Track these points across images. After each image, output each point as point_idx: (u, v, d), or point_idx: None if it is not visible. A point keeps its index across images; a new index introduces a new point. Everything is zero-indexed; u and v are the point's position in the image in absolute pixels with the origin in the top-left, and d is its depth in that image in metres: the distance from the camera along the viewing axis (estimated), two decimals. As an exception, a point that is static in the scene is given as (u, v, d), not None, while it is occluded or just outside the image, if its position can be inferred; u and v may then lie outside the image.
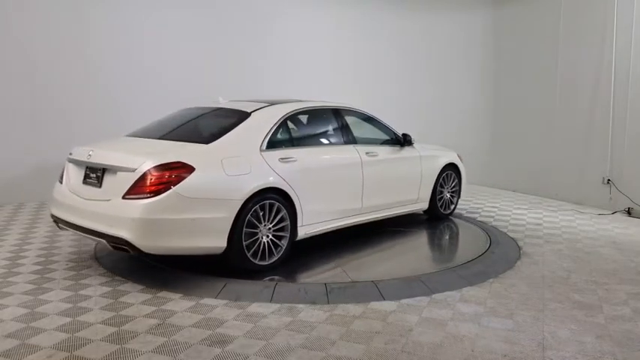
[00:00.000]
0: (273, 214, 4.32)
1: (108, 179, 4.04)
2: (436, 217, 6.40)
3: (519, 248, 5.18)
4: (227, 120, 4.64)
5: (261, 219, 4.24)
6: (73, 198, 4.22)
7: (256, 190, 4.15)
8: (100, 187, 4.06)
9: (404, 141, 5.87)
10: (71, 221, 4.14)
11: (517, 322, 3.38)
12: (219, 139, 4.30)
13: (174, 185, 3.78)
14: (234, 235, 4.04)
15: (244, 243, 4.10)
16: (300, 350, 2.95)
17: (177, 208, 3.80)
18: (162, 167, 3.82)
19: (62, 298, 3.69)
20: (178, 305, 3.58)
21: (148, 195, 3.75)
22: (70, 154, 4.52)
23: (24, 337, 3.07)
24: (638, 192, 6.80)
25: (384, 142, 5.74)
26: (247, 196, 4.09)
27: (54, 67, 7.36)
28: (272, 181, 4.30)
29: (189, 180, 3.84)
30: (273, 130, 4.59)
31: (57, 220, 4.38)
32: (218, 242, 3.99)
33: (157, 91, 8.01)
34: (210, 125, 4.82)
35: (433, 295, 3.83)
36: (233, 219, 4.02)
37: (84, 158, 4.25)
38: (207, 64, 8.39)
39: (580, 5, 7.72)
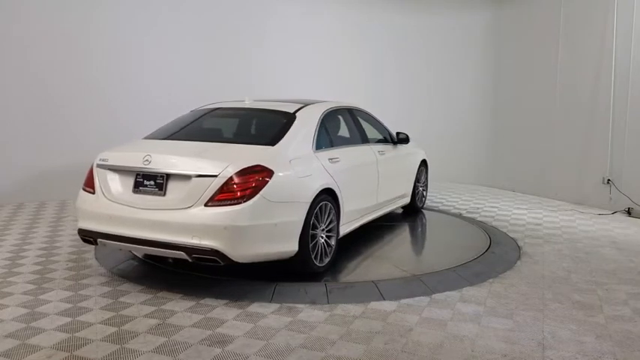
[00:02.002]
0: (327, 214, 4.31)
1: (175, 186, 3.73)
2: (413, 210, 6.73)
3: (519, 248, 5.18)
4: (275, 121, 4.55)
5: (319, 220, 4.20)
6: (121, 209, 3.83)
7: (319, 190, 4.13)
8: (164, 195, 3.76)
9: (399, 139, 6.09)
10: (122, 234, 3.77)
11: (517, 322, 3.38)
12: (282, 141, 4.16)
13: (260, 190, 3.65)
14: (303, 238, 3.97)
15: (310, 245, 4.06)
16: (300, 350, 2.94)
17: (264, 214, 3.67)
18: (246, 171, 3.66)
19: (62, 298, 3.69)
20: (178, 305, 3.58)
21: (236, 201, 3.57)
22: (105, 160, 4.09)
23: (24, 337, 3.07)
24: (638, 192, 6.79)
25: (380, 141, 5.87)
26: (313, 197, 4.05)
27: (54, 70, 7.37)
28: (328, 181, 4.31)
29: (272, 183, 3.71)
30: (317, 131, 4.57)
31: (92, 235, 3.95)
32: (292, 246, 3.90)
33: (156, 92, 8.03)
34: (260, 126, 4.75)
35: (433, 295, 3.82)
36: (304, 221, 3.97)
37: (137, 164, 3.88)
38: (206, 65, 8.40)
39: (580, 5, 7.71)
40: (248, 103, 5.06)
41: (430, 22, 9.84)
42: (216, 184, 3.61)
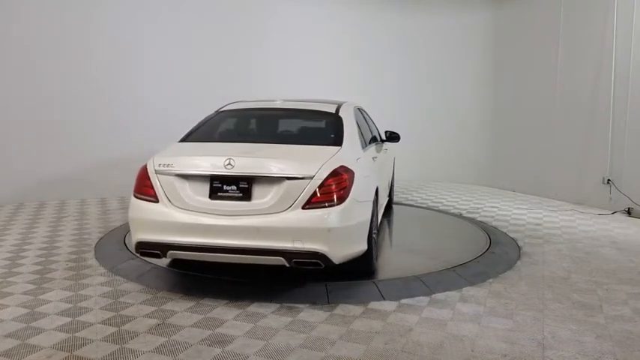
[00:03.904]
0: (374, 212, 4.31)
1: (263, 190, 3.60)
2: (388, 205, 6.84)
3: (519, 248, 5.18)
4: (325, 121, 4.55)
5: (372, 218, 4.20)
6: (198, 217, 3.60)
7: (375, 188, 4.18)
8: (250, 199, 3.61)
9: (391, 137, 6.11)
10: (202, 244, 3.57)
11: (517, 322, 3.38)
12: (345, 141, 4.13)
13: (350, 190, 3.65)
14: (369, 237, 4.00)
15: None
16: (300, 350, 2.94)
17: (353, 214, 3.69)
18: (337, 172, 3.64)
19: (62, 298, 3.69)
20: (178, 305, 3.58)
21: (333, 202, 3.55)
22: (168, 165, 3.76)
23: (24, 337, 3.07)
24: (638, 192, 6.79)
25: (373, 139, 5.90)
26: (374, 196, 4.09)
27: (54, 70, 7.37)
28: (377, 180, 4.37)
29: (355, 184, 3.72)
30: (358, 130, 4.59)
31: (159, 247, 3.67)
32: (364, 245, 3.90)
33: (156, 92, 8.03)
34: (314, 127, 4.74)
35: (433, 295, 3.82)
36: (370, 220, 3.99)
37: (216, 169, 3.67)
38: (206, 64, 8.39)
39: (580, 5, 7.72)
40: (280, 103, 5.07)
41: (430, 22, 9.84)
42: (313, 186, 3.55)
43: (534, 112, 8.57)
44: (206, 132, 4.50)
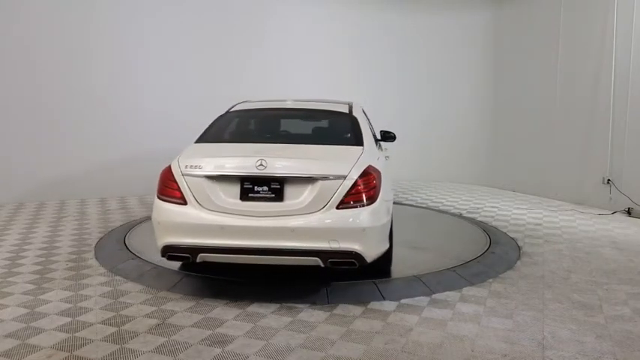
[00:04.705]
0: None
1: (295, 190, 3.59)
2: None
3: (519, 248, 5.18)
4: (342, 121, 4.56)
5: None
6: (230, 219, 3.55)
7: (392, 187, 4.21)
8: (282, 200, 3.59)
9: (387, 137, 5.89)
10: (235, 246, 3.52)
11: (517, 322, 3.38)
12: (364, 141, 4.15)
13: (379, 189, 3.69)
14: (390, 235, 4.04)
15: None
16: (300, 350, 2.94)
17: (381, 213, 3.72)
18: (366, 172, 3.66)
19: (62, 298, 3.69)
20: (178, 305, 3.58)
21: (365, 202, 3.57)
22: (197, 166, 3.67)
23: (24, 337, 3.07)
24: (638, 192, 6.79)
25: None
26: (392, 195, 4.13)
27: (54, 70, 7.38)
28: (390, 178, 4.37)
29: (383, 184, 3.77)
30: (370, 130, 4.58)
31: (188, 251, 3.59)
32: (387, 243, 3.96)
33: (156, 93, 8.03)
34: (332, 127, 4.74)
35: (433, 295, 3.82)
36: (390, 219, 4.02)
37: (248, 170, 3.61)
38: (206, 64, 8.40)
39: (580, 5, 7.72)
40: (291, 103, 5.08)
41: (430, 22, 9.84)
42: (345, 186, 3.56)
43: (534, 112, 8.57)
44: (224, 132, 4.46)
